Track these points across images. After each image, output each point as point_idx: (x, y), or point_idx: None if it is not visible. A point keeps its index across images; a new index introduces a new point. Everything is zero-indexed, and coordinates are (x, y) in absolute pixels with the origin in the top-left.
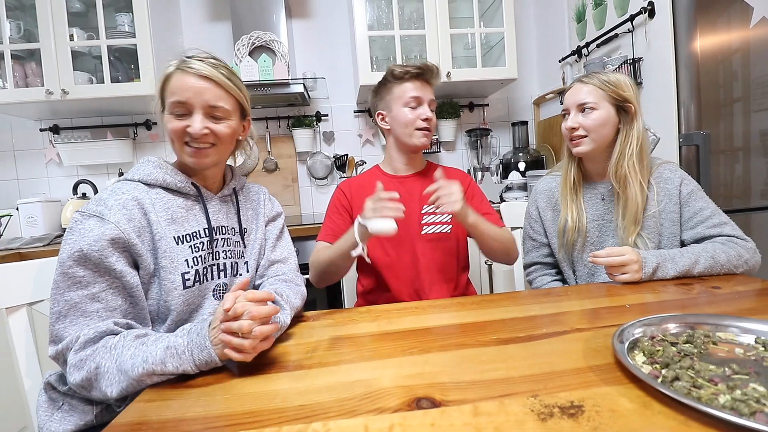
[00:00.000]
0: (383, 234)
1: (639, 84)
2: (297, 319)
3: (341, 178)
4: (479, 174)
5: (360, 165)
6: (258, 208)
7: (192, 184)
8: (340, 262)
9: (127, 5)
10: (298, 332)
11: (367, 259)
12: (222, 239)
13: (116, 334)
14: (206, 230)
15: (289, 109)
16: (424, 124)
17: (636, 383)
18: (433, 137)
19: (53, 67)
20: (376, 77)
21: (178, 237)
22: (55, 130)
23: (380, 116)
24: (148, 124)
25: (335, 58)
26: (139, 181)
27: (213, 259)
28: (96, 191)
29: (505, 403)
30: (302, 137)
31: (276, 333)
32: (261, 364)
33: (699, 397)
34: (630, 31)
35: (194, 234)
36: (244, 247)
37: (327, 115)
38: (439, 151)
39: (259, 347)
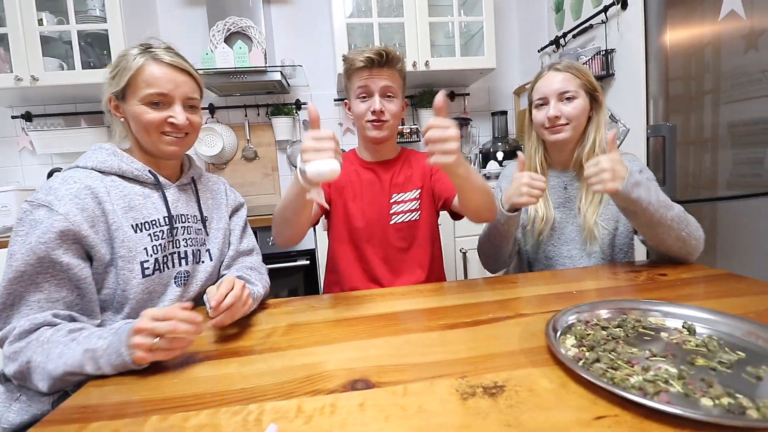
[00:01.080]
0: (325, 178)
1: (611, 75)
2: (259, 307)
3: None
4: None
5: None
6: (219, 198)
7: (150, 172)
8: (291, 214)
9: None
10: (256, 319)
11: (324, 204)
12: (183, 227)
13: (54, 326)
14: (166, 218)
15: (268, 97)
16: (372, 117)
17: (560, 365)
18: (409, 127)
19: (21, 52)
20: None
21: (137, 225)
22: (28, 117)
23: (346, 106)
24: None
25: (315, 45)
26: (92, 169)
27: (174, 247)
28: None
29: (434, 384)
30: (281, 125)
31: (247, 308)
32: (213, 350)
33: (612, 377)
34: (604, 22)
35: (153, 222)
36: (207, 235)
37: (306, 103)
38: (418, 141)
39: (176, 347)
